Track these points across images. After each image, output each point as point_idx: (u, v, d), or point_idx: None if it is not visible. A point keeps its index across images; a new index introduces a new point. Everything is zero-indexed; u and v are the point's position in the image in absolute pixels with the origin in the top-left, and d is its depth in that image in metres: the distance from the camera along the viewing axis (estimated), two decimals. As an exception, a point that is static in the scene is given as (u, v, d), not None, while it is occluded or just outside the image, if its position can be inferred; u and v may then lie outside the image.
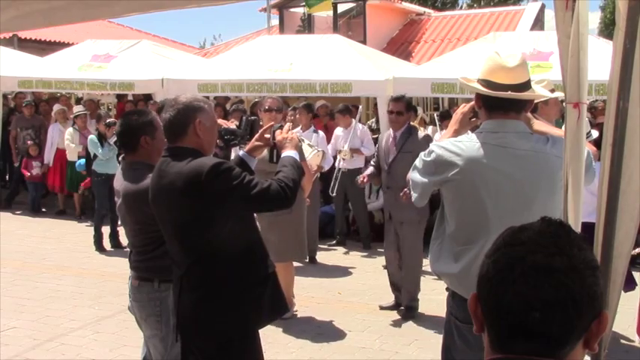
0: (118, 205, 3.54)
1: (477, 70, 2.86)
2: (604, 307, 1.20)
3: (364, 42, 14.10)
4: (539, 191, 2.66)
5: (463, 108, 3.02)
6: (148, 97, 11.22)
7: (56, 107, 11.50)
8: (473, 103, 2.93)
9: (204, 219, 2.81)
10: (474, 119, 2.99)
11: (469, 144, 2.75)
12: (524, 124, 2.79)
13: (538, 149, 2.69)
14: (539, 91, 2.87)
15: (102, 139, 8.93)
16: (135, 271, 3.52)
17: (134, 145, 3.49)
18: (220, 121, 6.29)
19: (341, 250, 8.86)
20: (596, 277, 1.17)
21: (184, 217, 2.84)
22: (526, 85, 2.76)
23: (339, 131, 9.13)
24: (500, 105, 2.74)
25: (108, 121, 9.10)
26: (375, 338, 5.66)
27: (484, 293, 1.21)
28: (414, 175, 2.89)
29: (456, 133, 2.93)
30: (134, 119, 3.56)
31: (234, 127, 3.74)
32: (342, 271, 7.82)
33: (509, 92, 2.70)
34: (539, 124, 2.93)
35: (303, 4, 15.12)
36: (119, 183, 3.52)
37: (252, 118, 3.66)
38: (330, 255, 8.58)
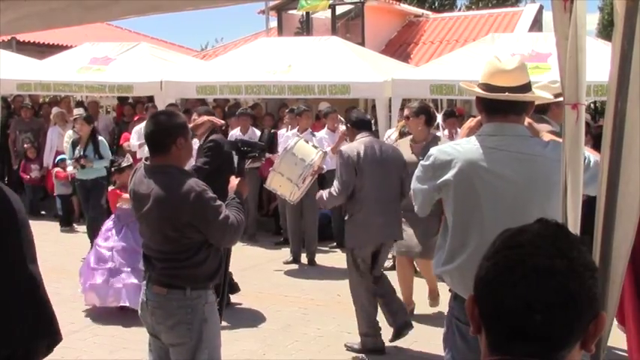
0: (146, 210, 3.26)
1: (476, 72, 2.89)
2: (602, 309, 1.20)
3: (362, 44, 14.10)
4: (534, 194, 2.67)
5: (470, 123, 3.06)
6: (150, 100, 11.20)
7: (54, 110, 11.48)
8: (479, 118, 2.94)
9: None
10: None
11: (467, 146, 2.78)
12: (523, 128, 2.80)
13: (536, 152, 2.70)
14: (539, 94, 2.88)
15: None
16: (162, 279, 3.29)
17: (168, 146, 3.26)
18: (210, 117, 6.20)
19: (340, 252, 8.85)
20: (595, 279, 1.18)
21: None
22: (525, 88, 2.77)
23: (322, 133, 9.05)
24: (500, 108, 2.75)
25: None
26: (374, 340, 5.65)
27: (483, 295, 1.21)
28: (414, 185, 2.93)
29: None
30: (167, 120, 3.36)
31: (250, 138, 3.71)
32: (341, 273, 7.75)
33: (507, 94, 2.71)
34: (548, 137, 2.90)
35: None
36: (145, 187, 3.26)
37: (274, 131, 3.63)
38: (329, 257, 8.58)
